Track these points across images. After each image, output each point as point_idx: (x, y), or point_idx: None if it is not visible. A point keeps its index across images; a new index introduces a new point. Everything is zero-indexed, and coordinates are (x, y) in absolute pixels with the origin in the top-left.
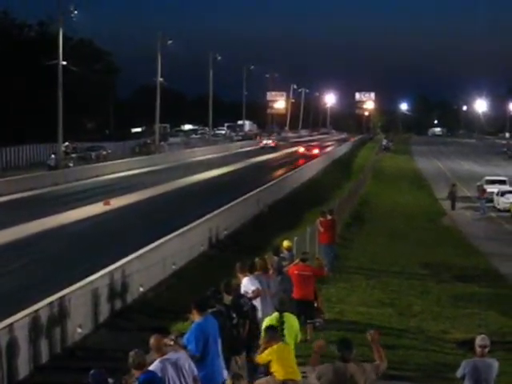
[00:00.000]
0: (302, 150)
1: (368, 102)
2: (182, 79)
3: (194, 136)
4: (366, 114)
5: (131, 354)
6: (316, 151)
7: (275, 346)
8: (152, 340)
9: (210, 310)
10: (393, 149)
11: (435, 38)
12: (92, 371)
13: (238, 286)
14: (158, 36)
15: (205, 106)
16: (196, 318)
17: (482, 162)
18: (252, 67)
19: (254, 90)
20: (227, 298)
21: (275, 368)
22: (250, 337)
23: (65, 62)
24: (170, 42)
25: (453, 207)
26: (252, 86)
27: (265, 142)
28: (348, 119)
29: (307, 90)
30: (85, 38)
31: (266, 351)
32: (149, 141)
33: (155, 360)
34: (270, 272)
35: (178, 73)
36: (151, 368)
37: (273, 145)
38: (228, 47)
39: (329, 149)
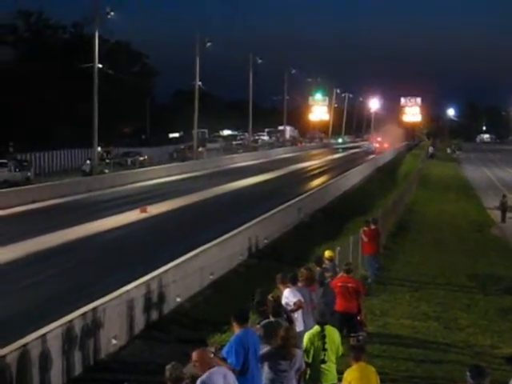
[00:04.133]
0: (376, 145)
1: (414, 108)
2: (221, 83)
3: (233, 142)
4: (412, 120)
5: (168, 367)
6: (386, 145)
7: (355, 366)
8: (196, 354)
9: (263, 322)
10: (439, 156)
11: (484, 42)
12: None
13: (278, 297)
14: (197, 38)
15: (244, 111)
16: (236, 330)
17: None
18: (293, 71)
19: (294, 95)
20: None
21: None
22: None
23: (100, 65)
24: (208, 44)
25: (503, 219)
26: (293, 91)
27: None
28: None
29: (351, 95)
30: (121, 41)
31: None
32: (186, 146)
33: (195, 374)
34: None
35: (216, 76)
36: (201, 380)
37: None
38: (266, 50)
39: (371, 156)
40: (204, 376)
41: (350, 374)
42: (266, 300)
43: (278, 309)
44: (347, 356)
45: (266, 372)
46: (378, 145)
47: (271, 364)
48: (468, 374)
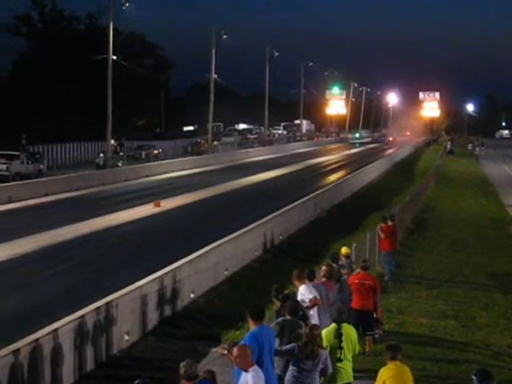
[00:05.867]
0: (390, 138)
1: (432, 103)
2: (237, 76)
3: (248, 136)
4: (431, 115)
5: (183, 364)
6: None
7: (390, 365)
8: (237, 350)
9: (277, 319)
10: (457, 152)
11: (504, 36)
12: (137, 381)
13: (294, 293)
14: (212, 30)
15: (260, 105)
16: (251, 326)
17: None
18: (311, 64)
19: (311, 88)
20: (276, 305)
21: None
22: None
23: (115, 57)
24: (224, 36)
25: None
26: (309, 84)
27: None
28: (411, 119)
29: (368, 89)
30: (136, 32)
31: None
32: (201, 140)
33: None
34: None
35: (233, 70)
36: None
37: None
38: (284, 44)
39: (390, 151)
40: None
41: (385, 373)
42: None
43: (296, 307)
44: (381, 354)
45: (290, 369)
46: (391, 138)
47: (295, 362)
48: (474, 377)
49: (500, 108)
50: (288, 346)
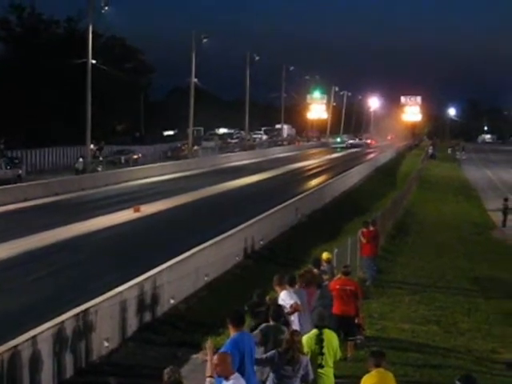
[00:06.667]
0: (369, 141)
1: (414, 107)
2: (218, 80)
3: (229, 140)
4: (412, 119)
5: (166, 370)
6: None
7: (374, 372)
8: (218, 357)
9: (261, 326)
10: (439, 156)
11: (485, 40)
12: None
13: (275, 299)
14: (192, 34)
15: (241, 109)
16: (232, 332)
17: None
18: (292, 68)
19: (292, 92)
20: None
21: None
22: None
23: (94, 61)
24: (204, 40)
25: (504, 223)
26: (290, 88)
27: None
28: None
29: (349, 94)
30: (116, 36)
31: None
32: (182, 145)
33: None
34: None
35: (214, 73)
36: None
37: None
38: (265, 49)
39: (372, 155)
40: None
41: (368, 381)
42: (263, 301)
43: (279, 312)
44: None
45: (270, 376)
46: (369, 140)
47: (275, 368)
48: (457, 383)
49: (482, 113)
50: (268, 354)
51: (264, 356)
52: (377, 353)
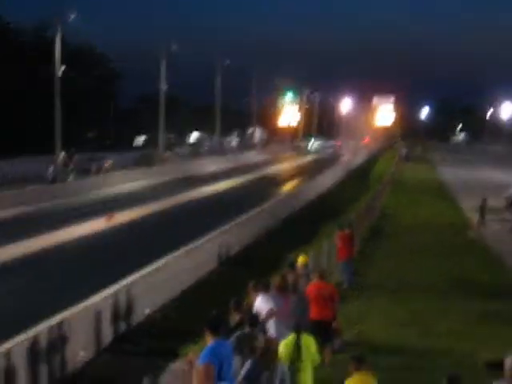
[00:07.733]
0: (339, 143)
1: (388, 105)
2: (189, 86)
3: (201, 146)
4: (385, 120)
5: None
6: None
7: (355, 375)
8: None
9: (238, 333)
10: (413, 157)
11: (457, 40)
12: None
13: (251, 306)
14: (162, 41)
15: (212, 114)
16: (209, 340)
17: (509, 171)
18: (263, 71)
19: (264, 97)
20: (235, 318)
21: None
22: None
23: (62, 68)
24: (174, 47)
25: (480, 224)
26: (262, 91)
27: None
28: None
29: (317, 96)
30: (84, 44)
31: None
32: (153, 151)
33: None
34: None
35: (184, 79)
36: None
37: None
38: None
39: (345, 158)
40: None
41: None
42: (241, 308)
43: (256, 318)
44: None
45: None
46: (339, 143)
47: (253, 376)
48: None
49: (455, 113)
50: (247, 367)
51: (244, 372)
52: (357, 356)
